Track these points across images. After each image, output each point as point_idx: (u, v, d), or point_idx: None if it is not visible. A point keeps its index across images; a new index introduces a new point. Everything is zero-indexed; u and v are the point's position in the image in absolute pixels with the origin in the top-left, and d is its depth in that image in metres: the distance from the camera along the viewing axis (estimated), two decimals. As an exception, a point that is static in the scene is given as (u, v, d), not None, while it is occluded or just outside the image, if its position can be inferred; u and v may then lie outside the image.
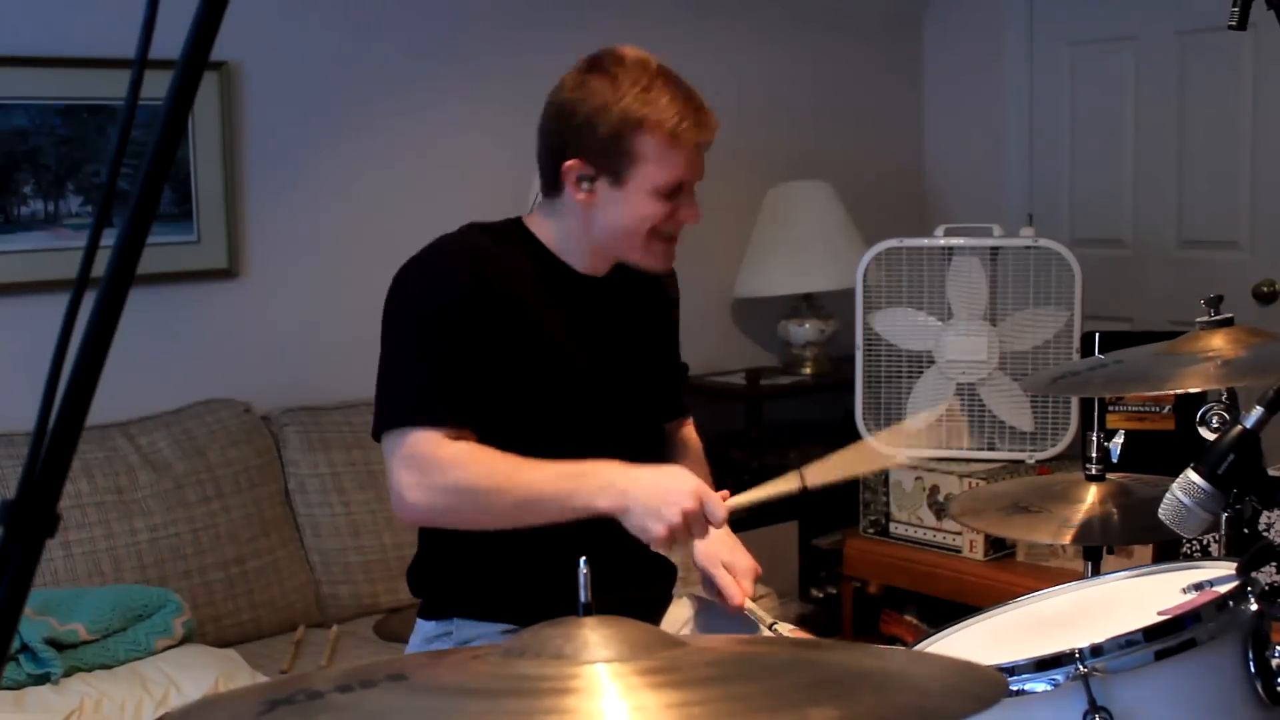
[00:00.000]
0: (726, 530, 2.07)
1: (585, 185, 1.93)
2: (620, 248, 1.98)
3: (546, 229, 2.01)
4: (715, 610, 2.14)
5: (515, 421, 1.91)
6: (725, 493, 1.89)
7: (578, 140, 1.92)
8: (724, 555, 2.06)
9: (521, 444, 1.87)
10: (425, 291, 1.91)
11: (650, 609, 2.09)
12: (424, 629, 2.04)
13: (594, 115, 1.90)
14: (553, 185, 1.98)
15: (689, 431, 2.26)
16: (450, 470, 1.83)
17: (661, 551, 1.94)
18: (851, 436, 3.70)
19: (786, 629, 2.02)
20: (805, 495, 1.96)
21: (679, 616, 2.15)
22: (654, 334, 2.16)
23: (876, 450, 2.14)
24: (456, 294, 1.89)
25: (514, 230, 2.02)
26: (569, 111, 1.93)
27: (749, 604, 2.02)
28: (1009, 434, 3.60)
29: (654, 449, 2.14)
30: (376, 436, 1.91)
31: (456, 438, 1.85)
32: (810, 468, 1.95)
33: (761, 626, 2.03)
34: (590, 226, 1.96)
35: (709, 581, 2.07)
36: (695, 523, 1.81)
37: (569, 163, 1.93)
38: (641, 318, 2.12)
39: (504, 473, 1.83)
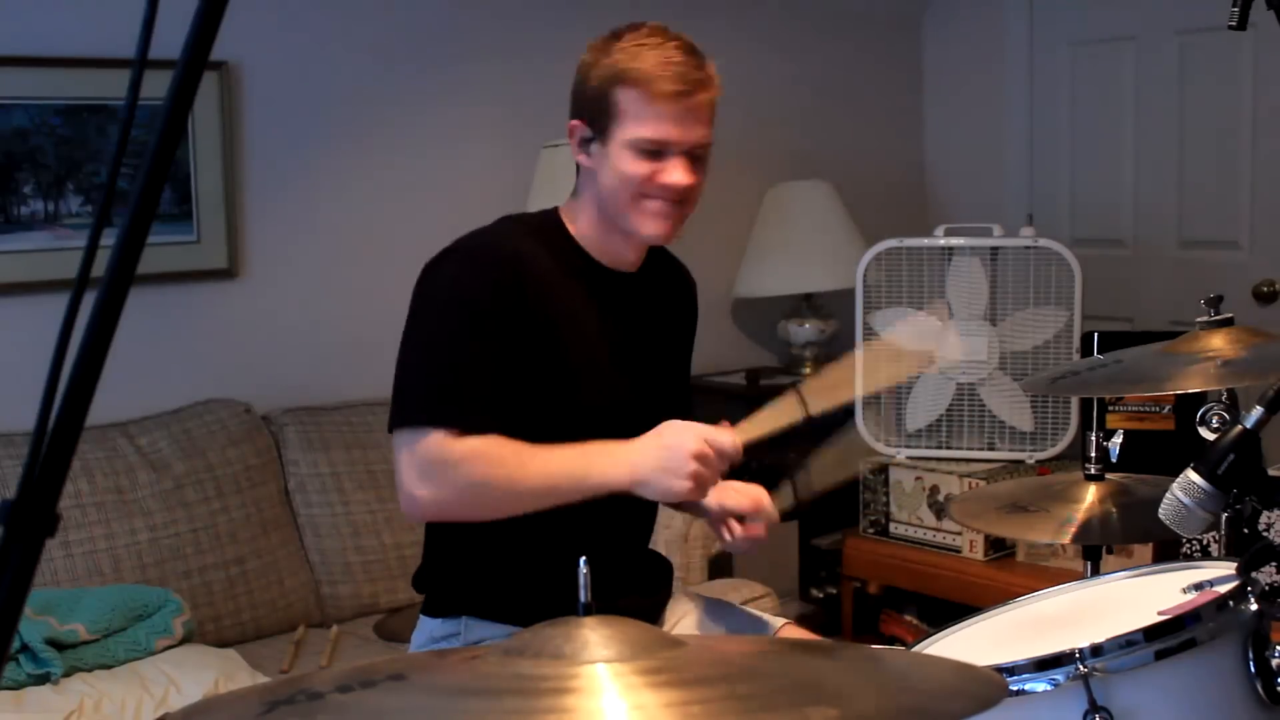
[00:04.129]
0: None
1: (586, 148, 1.93)
2: (615, 212, 1.94)
3: (574, 217, 1.99)
4: (718, 610, 2.14)
5: (535, 420, 1.90)
6: (725, 422, 1.89)
7: (577, 100, 1.93)
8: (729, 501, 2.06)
9: (539, 439, 1.86)
10: (455, 289, 1.89)
11: (652, 612, 2.09)
12: (430, 626, 2.03)
13: (588, 72, 1.91)
14: (576, 159, 1.97)
15: None
16: (460, 466, 1.81)
17: (695, 499, 1.93)
18: (852, 437, 3.72)
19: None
20: (809, 422, 1.95)
21: (678, 610, 2.15)
22: (676, 335, 2.15)
23: (870, 367, 2.13)
24: (487, 294, 1.87)
25: (548, 223, 2.00)
26: (576, 74, 1.94)
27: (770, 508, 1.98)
28: (1009, 434, 3.60)
29: None
30: (390, 430, 1.90)
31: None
32: (808, 385, 1.95)
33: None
34: (595, 194, 1.95)
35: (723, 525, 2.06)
36: (711, 463, 1.82)
37: (571, 123, 1.93)
38: (667, 317, 2.12)
39: (514, 464, 1.82)
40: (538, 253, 1.93)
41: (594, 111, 1.90)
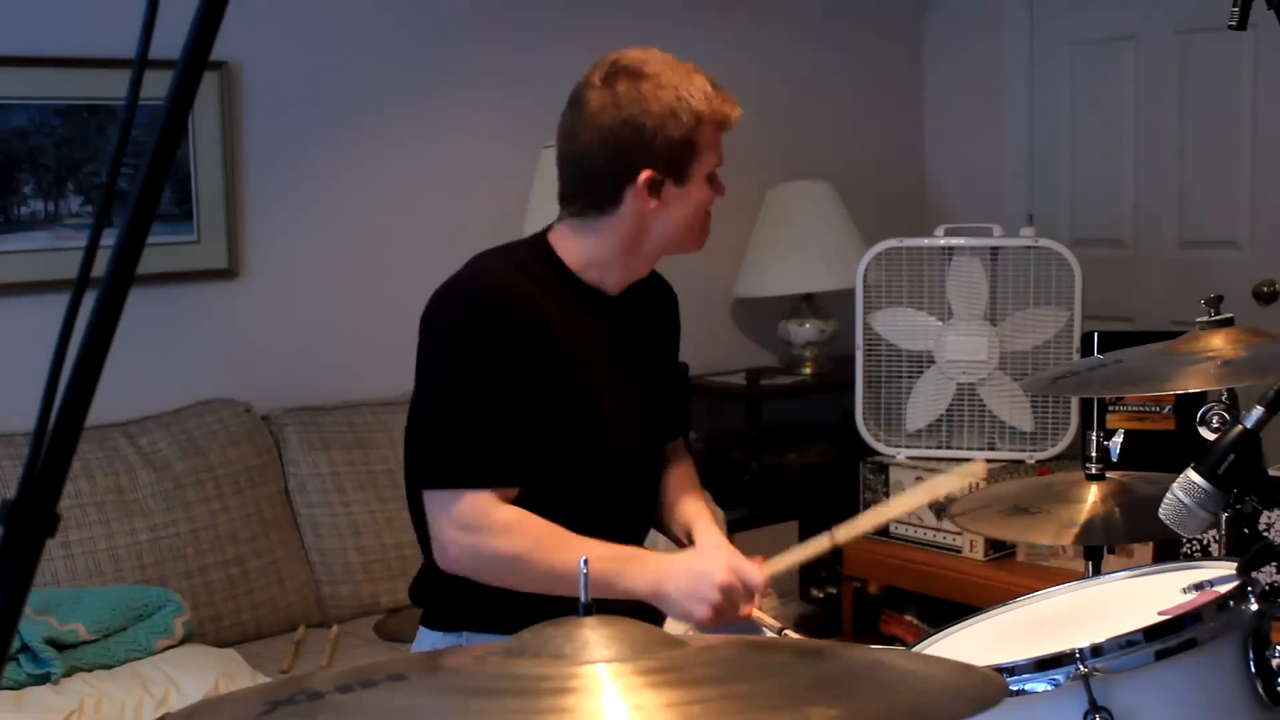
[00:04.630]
0: (725, 541, 2.07)
1: (655, 193, 1.92)
2: (680, 242, 2.00)
3: (573, 248, 1.97)
4: None
5: (547, 458, 1.91)
6: (759, 559, 1.94)
7: (651, 151, 1.90)
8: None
9: (550, 477, 1.89)
10: (462, 341, 1.88)
11: (654, 615, 2.09)
12: (431, 639, 2.03)
13: (666, 122, 1.89)
14: (609, 202, 1.93)
15: (681, 453, 2.23)
16: (500, 537, 1.84)
17: (711, 627, 1.96)
18: (852, 436, 3.73)
19: (795, 637, 2.04)
20: (835, 551, 2.05)
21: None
22: (664, 347, 2.17)
23: (902, 504, 2.23)
24: (492, 340, 1.86)
25: (537, 252, 1.99)
26: (636, 126, 1.88)
27: (756, 612, 2.03)
28: (1009, 434, 3.60)
29: (661, 468, 2.16)
30: (415, 487, 1.91)
31: (506, 497, 1.86)
32: (840, 527, 2.01)
33: (769, 632, 2.04)
34: (649, 233, 1.96)
35: None
36: (735, 596, 1.87)
37: (645, 175, 1.90)
38: (655, 330, 2.13)
39: (549, 549, 1.84)
40: (530, 286, 1.92)
41: (677, 156, 1.91)
